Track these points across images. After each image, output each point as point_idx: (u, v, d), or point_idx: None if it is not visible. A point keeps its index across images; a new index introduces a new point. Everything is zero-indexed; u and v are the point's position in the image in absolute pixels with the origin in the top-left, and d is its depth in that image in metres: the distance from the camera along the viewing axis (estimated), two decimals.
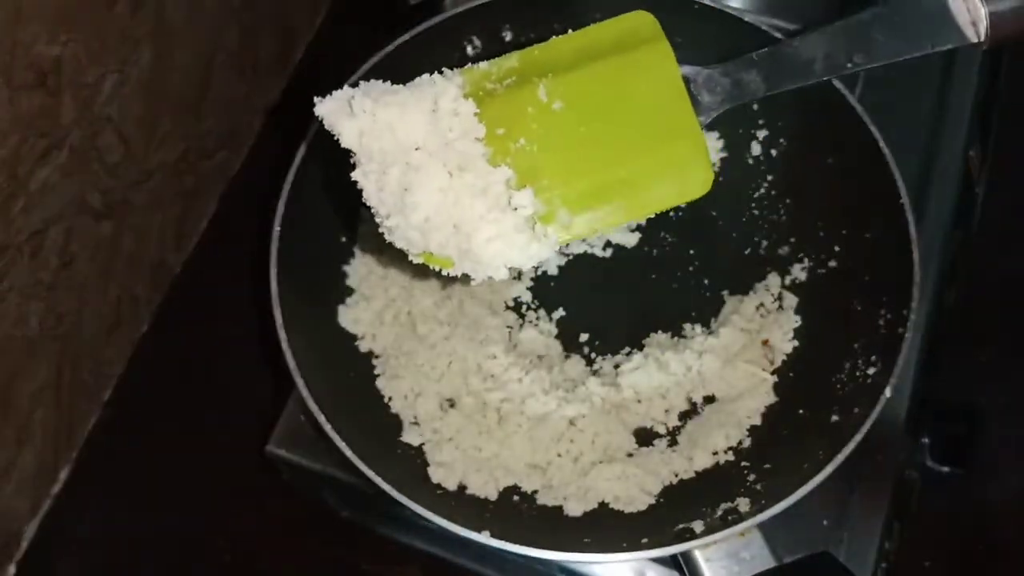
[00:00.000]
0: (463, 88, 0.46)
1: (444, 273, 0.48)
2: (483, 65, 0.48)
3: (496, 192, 0.45)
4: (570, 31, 0.50)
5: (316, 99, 0.48)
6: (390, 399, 0.62)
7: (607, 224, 0.47)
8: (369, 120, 0.46)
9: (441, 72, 0.49)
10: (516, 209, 0.46)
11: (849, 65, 0.46)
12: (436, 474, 0.59)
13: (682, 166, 0.46)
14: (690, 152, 0.45)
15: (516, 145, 0.46)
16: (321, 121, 0.48)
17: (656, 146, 0.45)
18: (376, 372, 0.63)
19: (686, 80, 0.45)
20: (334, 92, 0.49)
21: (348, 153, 0.48)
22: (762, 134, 0.68)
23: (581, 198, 0.46)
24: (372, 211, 0.48)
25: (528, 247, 0.46)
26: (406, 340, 0.64)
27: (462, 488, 0.59)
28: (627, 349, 0.66)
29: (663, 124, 0.45)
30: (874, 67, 0.46)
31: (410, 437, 0.61)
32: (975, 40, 0.43)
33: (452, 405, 0.63)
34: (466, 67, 0.48)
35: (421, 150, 0.45)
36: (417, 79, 0.48)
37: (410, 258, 0.48)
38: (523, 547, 0.53)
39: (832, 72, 0.46)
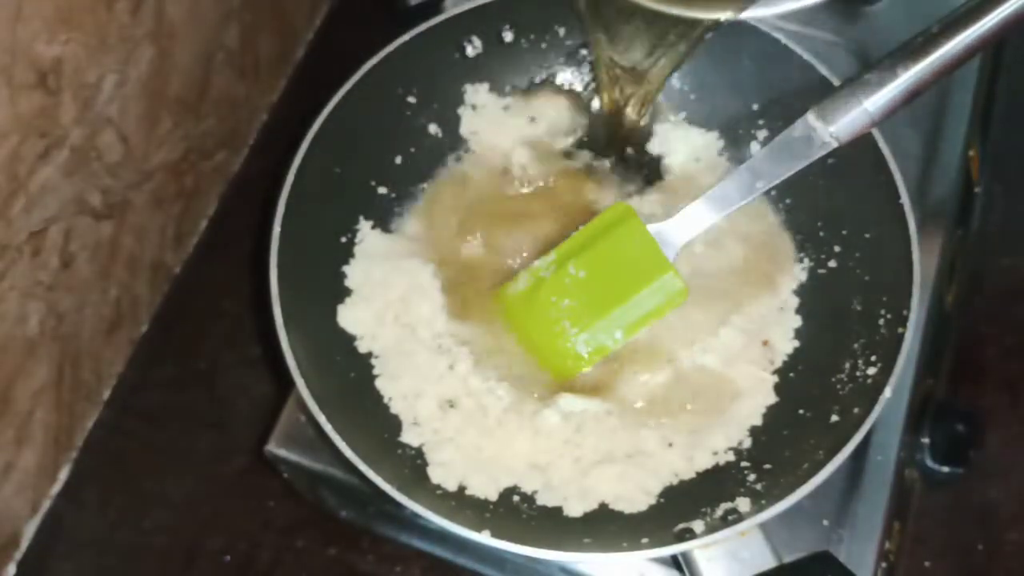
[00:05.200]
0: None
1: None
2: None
3: None
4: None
5: None
6: (390, 399, 0.62)
7: (616, 345, 0.63)
8: None
9: None
10: None
11: (758, 186, 0.59)
12: (436, 474, 0.59)
13: (663, 288, 0.62)
14: (667, 279, 0.62)
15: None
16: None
17: (645, 281, 0.62)
18: (376, 372, 0.63)
19: (655, 235, 0.62)
20: None
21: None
22: (762, 134, 0.68)
23: (596, 331, 0.63)
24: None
25: None
26: (406, 341, 0.64)
27: (462, 488, 0.59)
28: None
29: (646, 266, 0.63)
30: (774, 184, 0.59)
31: (410, 437, 0.61)
32: (834, 145, 0.56)
33: (452, 405, 0.62)
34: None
35: None
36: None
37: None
38: (523, 547, 0.53)
39: (745, 196, 0.60)
